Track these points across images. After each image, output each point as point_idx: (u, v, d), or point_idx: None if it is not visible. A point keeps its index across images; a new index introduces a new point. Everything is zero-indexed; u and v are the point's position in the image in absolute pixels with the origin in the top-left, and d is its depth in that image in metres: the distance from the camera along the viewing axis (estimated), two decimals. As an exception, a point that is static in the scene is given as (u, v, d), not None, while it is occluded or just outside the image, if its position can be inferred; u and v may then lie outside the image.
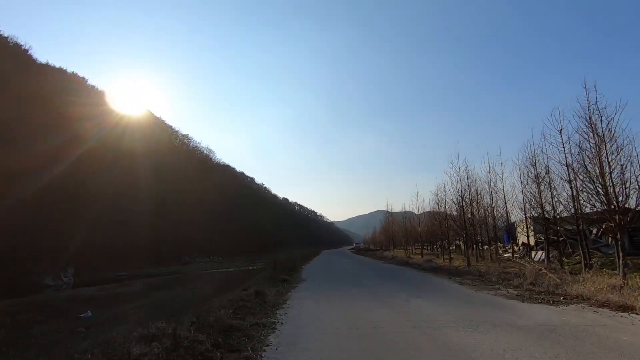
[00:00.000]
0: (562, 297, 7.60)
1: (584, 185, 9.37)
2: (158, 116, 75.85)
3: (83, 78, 56.48)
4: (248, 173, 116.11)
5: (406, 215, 44.14)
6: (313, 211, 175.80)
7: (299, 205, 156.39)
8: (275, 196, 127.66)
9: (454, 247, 36.13)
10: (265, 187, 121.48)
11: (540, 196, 11.83)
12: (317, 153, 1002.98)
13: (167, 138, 71.06)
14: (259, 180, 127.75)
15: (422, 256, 26.45)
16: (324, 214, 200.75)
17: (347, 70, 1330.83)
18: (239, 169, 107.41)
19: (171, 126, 76.53)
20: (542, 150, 12.95)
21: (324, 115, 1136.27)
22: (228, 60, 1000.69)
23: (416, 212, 40.32)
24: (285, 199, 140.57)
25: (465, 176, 16.87)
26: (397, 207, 52.60)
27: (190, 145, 79.01)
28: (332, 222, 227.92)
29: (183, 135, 77.47)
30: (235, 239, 60.95)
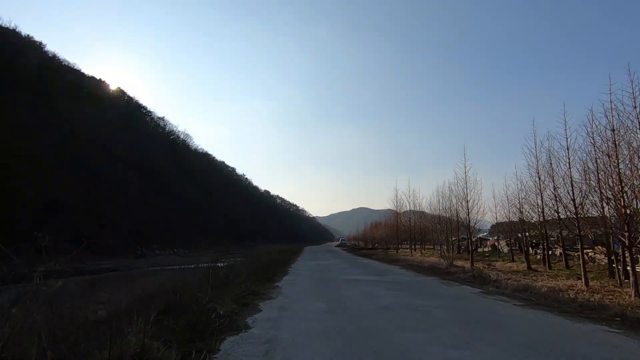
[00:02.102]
0: None
1: None
2: (132, 95, 68.84)
3: (40, 43, 49.02)
4: (229, 163, 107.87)
5: (388, 212, 44.86)
6: (295, 205, 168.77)
7: (281, 198, 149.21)
8: (256, 188, 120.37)
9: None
10: (246, 178, 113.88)
11: None
12: (300, 148, 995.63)
13: (140, 117, 64.64)
14: (240, 171, 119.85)
15: (472, 264, 17.84)
16: (306, 209, 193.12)
17: (332, 65, 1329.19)
18: (219, 158, 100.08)
19: (145, 107, 69.79)
20: None
21: (307, 109, 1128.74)
22: (209, 49, 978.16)
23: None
24: (267, 192, 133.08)
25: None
26: (377, 205, 52.13)
27: (167, 128, 72.56)
28: (314, 217, 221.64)
29: (159, 118, 70.55)
30: (209, 230, 54.12)
